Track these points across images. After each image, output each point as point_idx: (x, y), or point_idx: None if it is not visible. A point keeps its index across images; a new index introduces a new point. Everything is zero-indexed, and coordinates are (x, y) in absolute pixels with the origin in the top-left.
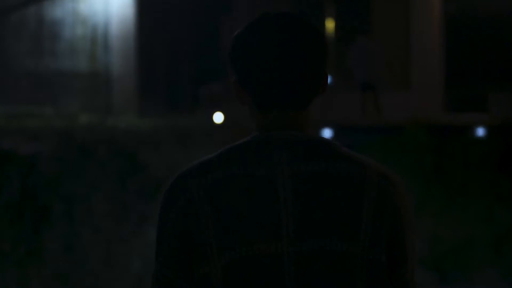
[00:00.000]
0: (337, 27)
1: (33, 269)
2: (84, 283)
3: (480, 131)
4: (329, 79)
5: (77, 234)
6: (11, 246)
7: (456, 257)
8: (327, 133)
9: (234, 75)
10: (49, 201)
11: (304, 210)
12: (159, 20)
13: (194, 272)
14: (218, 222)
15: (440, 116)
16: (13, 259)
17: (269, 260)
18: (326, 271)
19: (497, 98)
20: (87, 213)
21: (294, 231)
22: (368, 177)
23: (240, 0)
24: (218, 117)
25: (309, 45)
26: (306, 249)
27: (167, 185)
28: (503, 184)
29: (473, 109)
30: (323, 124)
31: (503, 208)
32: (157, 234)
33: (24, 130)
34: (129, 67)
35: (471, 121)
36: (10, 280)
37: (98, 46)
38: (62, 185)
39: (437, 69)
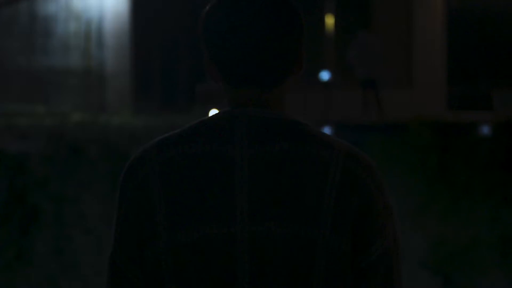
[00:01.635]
0: (337, 22)
1: (21, 273)
2: None
3: (485, 130)
4: (329, 76)
5: (68, 236)
6: None
7: (460, 260)
8: (327, 131)
9: (205, 51)
10: (39, 202)
11: (261, 192)
12: (154, 16)
13: (144, 256)
14: (170, 201)
15: (443, 114)
16: (0, 263)
17: (221, 243)
18: (281, 256)
19: (501, 96)
20: (78, 215)
21: (249, 214)
22: (333, 159)
23: None
24: None
25: (282, 21)
26: (260, 232)
27: (128, 161)
28: (509, 184)
29: (477, 106)
30: (323, 122)
31: (509, 209)
32: (115, 214)
33: (14, 128)
34: (124, 64)
35: (475, 119)
36: None
37: (91, 42)
38: (52, 185)
39: (440, 66)
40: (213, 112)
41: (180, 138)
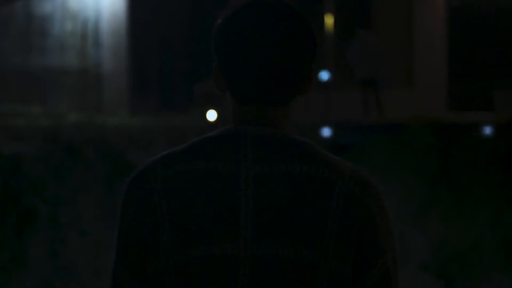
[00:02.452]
0: (337, 21)
1: (16, 276)
2: None
3: (487, 130)
4: (329, 76)
5: (63, 239)
6: None
7: (462, 262)
8: (326, 132)
9: (215, 60)
10: (33, 204)
11: (265, 213)
12: (151, 15)
13: (147, 271)
14: (174, 218)
15: (444, 114)
16: None
17: (224, 262)
18: (283, 278)
19: (503, 95)
20: (73, 217)
21: (253, 235)
22: (338, 181)
23: None
24: (211, 115)
25: (296, 40)
26: (263, 254)
27: (129, 177)
28: (511, 185)
29: (478, 106)
30: (323, 123)
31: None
32: (117, 229)
33: (9, 129)
34: (121, 64)
35: (476, 120)
36: None
37: (88, 42)
38: (47, 187)
39: (441, 66)
40: (210, 113)
41: (185, 154)
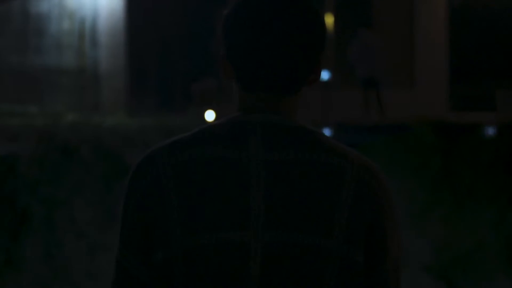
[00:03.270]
0: (337, 20)
1: (11, 278)
2: None
3: (489, 131)
4: (329, 75)
5: (59, 241)
6: None
7: (465, 264)
8: (326, 132)
9: (223, 48)
10: (29, 206)
11: (276, 200)
12: (149, 14)
13: (153, 258)
14: (184, 205)
15: (446, 115)
16: None
17: (234, 249)
18: (294, 265)
19: (505, 96)
20: (69, 218)
21: (263, 221)
22: (348, 168)
23: None
24: (210, 115)
25: (305, 27)
26: (274, 240)
27: (135, 162)
28: None
29: (480, 107)
30: (323, 123)
31: None
32: (121, 215)
33: (4, 129)
34: (118, 63)
35: (478, 120)
36: None
37: (85, 41)
38: (42, 188)
39: (442, 66)
40: (208, 113)
41: (193, 140)
